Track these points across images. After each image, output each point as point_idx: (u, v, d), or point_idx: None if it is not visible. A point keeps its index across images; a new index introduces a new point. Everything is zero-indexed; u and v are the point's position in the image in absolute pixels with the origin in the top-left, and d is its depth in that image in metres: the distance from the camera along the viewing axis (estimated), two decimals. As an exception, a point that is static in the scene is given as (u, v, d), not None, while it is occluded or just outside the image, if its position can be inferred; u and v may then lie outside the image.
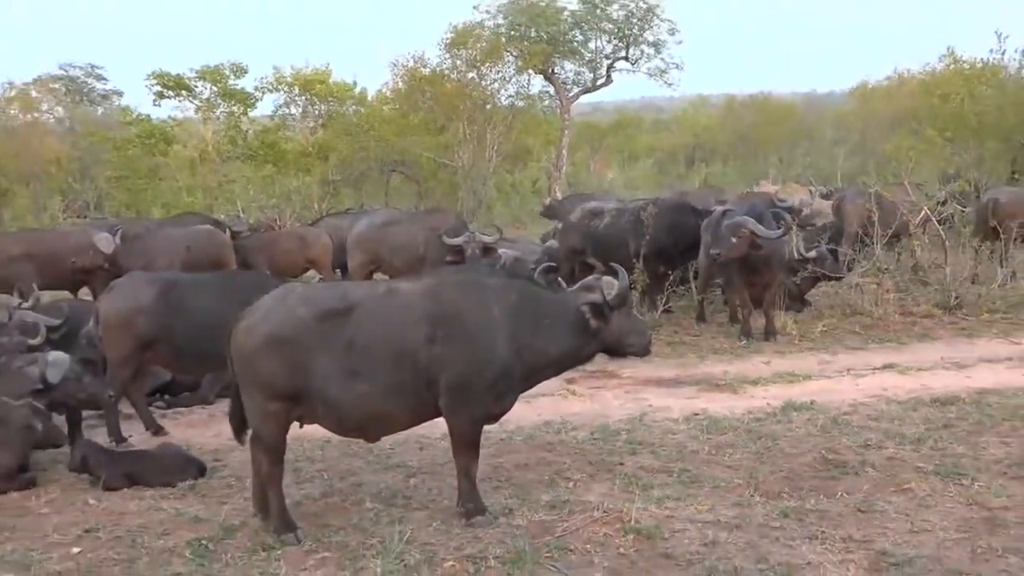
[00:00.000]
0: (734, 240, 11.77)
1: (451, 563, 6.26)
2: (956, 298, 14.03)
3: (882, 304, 13.68)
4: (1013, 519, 6.76)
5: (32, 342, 9.49)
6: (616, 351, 7.29)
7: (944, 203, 15.88)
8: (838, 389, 10.42)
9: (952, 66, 27.86)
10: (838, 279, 14.02)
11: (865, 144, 28.58)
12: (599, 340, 7.04)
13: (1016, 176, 22.51)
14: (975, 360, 11.56)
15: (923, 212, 15.36)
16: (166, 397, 10.64)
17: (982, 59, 26.46)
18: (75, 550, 6.72)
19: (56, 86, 35.73)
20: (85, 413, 9.20)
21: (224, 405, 7.78)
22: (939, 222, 15.46)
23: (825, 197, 17.75)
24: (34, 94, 33.92)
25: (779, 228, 12.22)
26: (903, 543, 6.42)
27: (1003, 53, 25.57)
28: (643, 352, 7.37)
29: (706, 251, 12.91)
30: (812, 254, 12.99)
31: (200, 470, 8.18)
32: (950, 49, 28.18)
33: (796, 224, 13.07)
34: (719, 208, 13.07)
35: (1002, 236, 15.47)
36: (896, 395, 10.10)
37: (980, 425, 8.98)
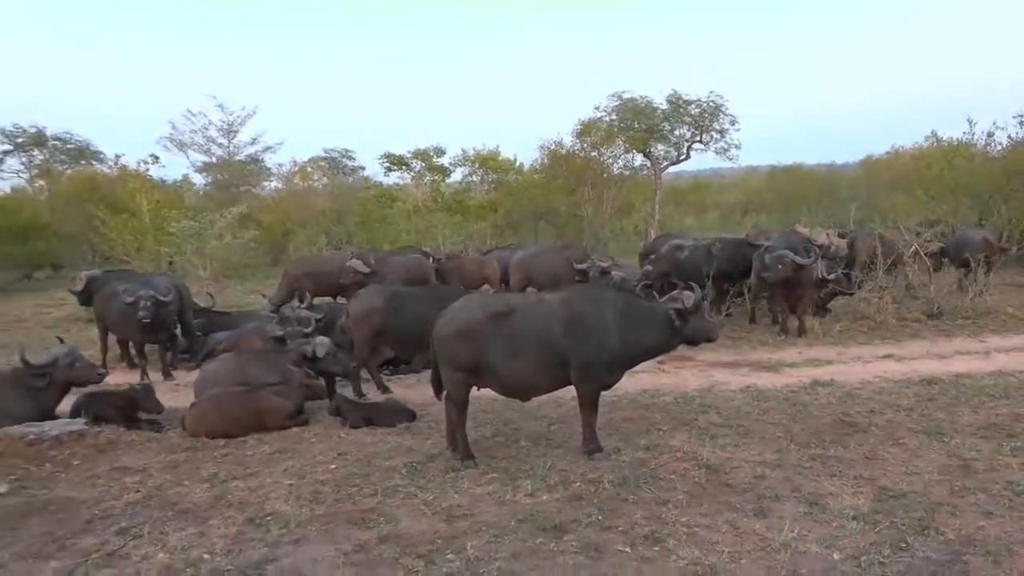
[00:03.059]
0: (780, 266, 11.74)
1: (578, 484, 6.27)
2: (938, 308, 13.49)
3: (883, 312, 13.21)
4: (981, 467, 6.50)
5: (306, 330, 9.86)
6: (693, 342, 7.22)
7: (929, 241, 15.34)
8: (851, 371, 10.08)
9: (935, 144, 27.12)
10: (850, 294, 13.64)
11: (871, 200, 27.55)
12: (681, 334, 6.97)
13: (983, 222, 21.66)
14: (952, 353, 11.09)
15: (913, 247, 14.85)
16: (390, 368, 10.80)
17: (957, 139, 25.85)
18: (332, 466, 6.94)
19: (322, 164, 36.91)
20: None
21: (427, 374, 7.92)
22: (925, 255, 14.89)
23: (841, 237, 17.14)
24: (309, 169, 35.13)
25: (810, 258, 12.10)
26: (899, 481, 6.22)
27: (973, 135, 25.12)
28: (713, 340, 7.30)
29: (757, 274, 12.72)
30: (832, 276, 12.70)
31: (412, 416, 8.33)
32: (933, 132, 27.69)
33: (821, 255, 12.78)
34: (764, 244, 12.94)
35: (971, 264, 14.85)
36: (893, 376, 9.74)
37: (956, 399, 8.60)
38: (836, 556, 4.98)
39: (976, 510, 5.65)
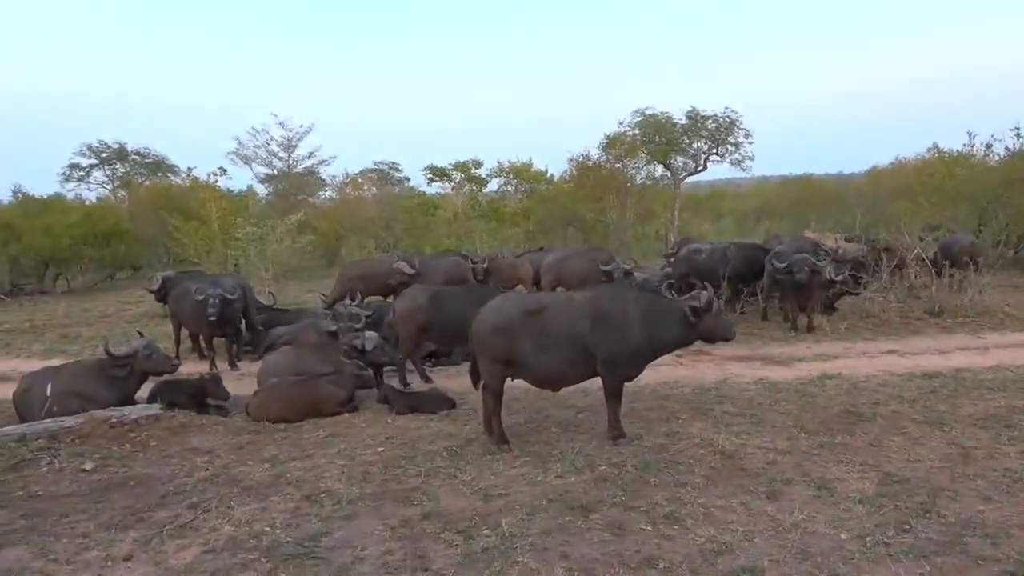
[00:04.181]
0: (806, 268, 11.59)
1: (603, 467, 6.24)
2: (939, 307, 13.16)
3: (887, 311, 12.95)
4: (980, 455, 6.35)
5: (356, 326, 9.92)
6: (710, 339, 7.04)
7: (929, 245, 15.04)
8: (857, 366, 9.88)
9: (937, 155, 26.56)
10: (857, 294, 13.37)
11: (875, 207, 27.09)
12: (697, 331, 6.85)
13: (981, 228, 21.18)
14: (953, 348, 10.81)
15: (916, 251, 14.54)
16: (433, 360, 10.82)
17: (958, 150, 25.28)
18: (380, 449, 6.98)
19: (372, 175, 37.17)
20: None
21: (466, 366, 7.93)
22: (931, 258, 14.57)
23: (848, 241, 16.84)
24: (359, 180, 35.41)
25: (823, 262, 11.96)
26: (903, 468, 6.10)
27: (972, 146, 24.54)
28: (729, 339, 7.09)
29: (769, 275, 12.58)
30: (839, 277, 12.47)
31: (452, 404, 8.34)
32: (935, 143, 27.13)
33: (832, 259, 12.60)
34: (775, 249, 12.80)
35: (970, 265, 14.55)
36: (897, 371, 9.52)
37: (956, 392, 8.40)
38: (843, 536, 4.90)
39: (975, 495, 5.52)
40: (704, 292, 6.90)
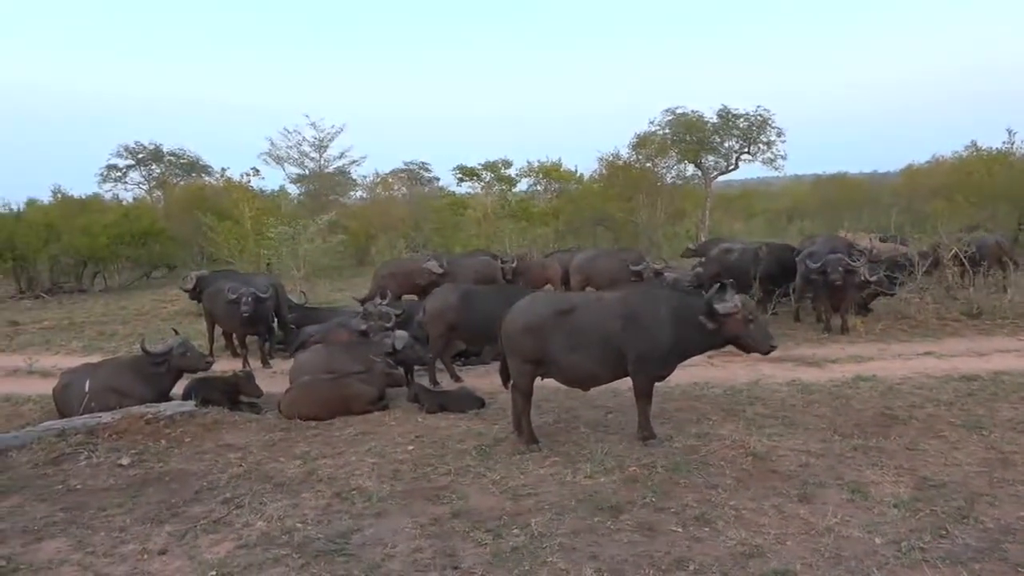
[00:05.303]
0: (840, 268, 11.47)
1: (633, 468, 6.19)
2: (978, 308, 12.87)
3: (923, 312, 12.71)
4: (1020, 460, 6.19)
5: (387, 325, 9.98)
6: (739, 346, 6.76)
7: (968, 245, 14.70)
8: (892, 368, 9.70)
9: (975, 153, 26.09)
10: (892, 295, 13.14)
11: (911, 206, 26.61)
12: (722, 335, 6.60)
13: (1022, 227, 20.73)
14: (991, 351, 10.56)
15: (953, 251, 14.24)
16: (462, 359, 10.84)
17: (997, 148, 24.77)
18: (410, 447, 7.00)
19: (402, 175, 37.45)
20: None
21: (495, 365, 7.93)
22: (967, 257, 14.24)
23: (883, 241, 16.55)
24: (389, 180, 35.71)
25: (858, 262, 11.86)
26: (939, 472, 5.96)
27: (1012, 144, 24.02)
28: (762, 351, 6.73)
29: (802, 275, 12.41)
30: (874, 278, 12.28)
31: (481, 403, 8.35)
32: (973, 141, 26.71)
33: (866, 259, 12.43)
34: (807, 249, 12.65)
35: (1010, 265, 14.28)
36: (933, 373, 9.33)
37: (995, 395, 8.21)
38: (878, 541, 4.81)
39: (1015, 501, 5.39)
40: (728, 295, 6.62)
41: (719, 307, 6.52)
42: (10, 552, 5.11)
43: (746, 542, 4.83)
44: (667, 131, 26.75)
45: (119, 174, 36.52)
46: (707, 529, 5.05)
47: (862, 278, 11.91)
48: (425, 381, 9.37)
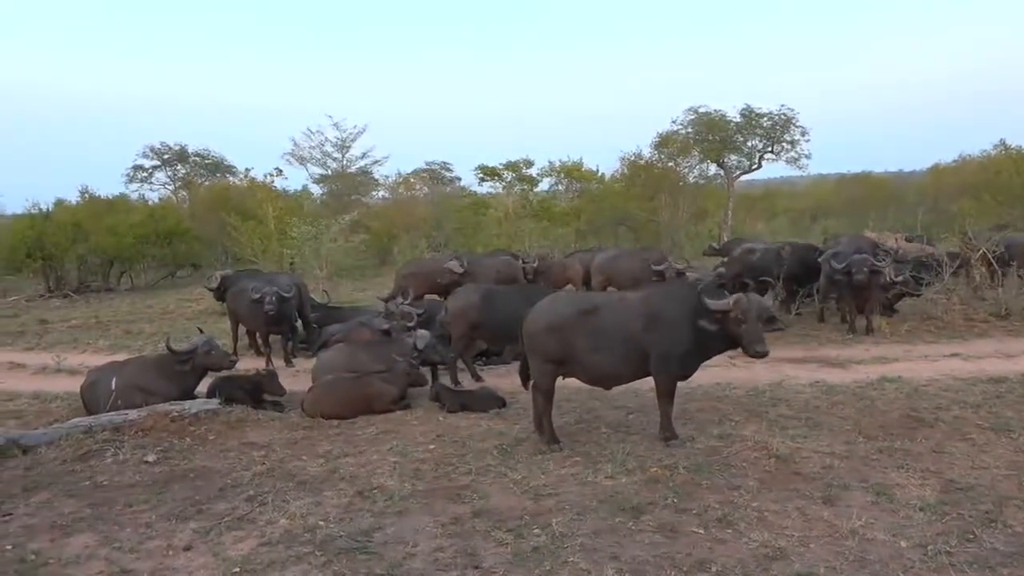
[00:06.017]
0: (865, 268, 11.37)
1: (655, 469, 6.17)
2: (1006, 309, 12.64)
3: (950, 313, 12.49)
4: (1049, 464, 6.05)
5: (409, 324, 10.01)
6: (741, 347, 6.56)
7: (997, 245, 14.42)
8: (918, 369, 9.55)
9: (1004, 151, 25.65)
10: (917, 296, 12.96)
11: (937, 206, 26.24)
12: (724, 334, 6.47)
13: (1053, 226, 20.41)
14: (1020, 352, 10.35)
15: (980, 251, 14.02)
16: (483, 359, 10.83)
17: (1027, 146, 24.37)
18: (431, 447, 7.03)
19: (423, 175, 37.51)
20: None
21: (516, 365, 7.93)
22: (995, 257, 14.01)
23: (909, 241, 16.33)
24: (411, 180, 35.82)
25: (883, 262, 11.76)
26: (966, 475, 5.87)
27: None
28: (747, 353, 6.46)
29: (827, 275, 12.27)
30: (900, 278, 12.12)
31: (502, 403, 8.34)
32: (1002, 140, 26.26)
33: (892, 259, 12.28)
34: (831, 250, 12.51)
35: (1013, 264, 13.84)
36: (960, 375, 9.18)
37: (1023, 397, 8.05)
38: (903, 544, 4.75)
39: (1045, 505, 5.30)
40: (725, 294, 6.55)
41: (710, 303, 6.44)
42: (39, 547, 5.20)
43: (769, 544, 4.79)
44: (689, 130, 26.56)
45: (145, 174, 36.99)
46: (729, 531, 5.02)
47: (888, 278, 11.76)
48: (447, 380, 9.39)
